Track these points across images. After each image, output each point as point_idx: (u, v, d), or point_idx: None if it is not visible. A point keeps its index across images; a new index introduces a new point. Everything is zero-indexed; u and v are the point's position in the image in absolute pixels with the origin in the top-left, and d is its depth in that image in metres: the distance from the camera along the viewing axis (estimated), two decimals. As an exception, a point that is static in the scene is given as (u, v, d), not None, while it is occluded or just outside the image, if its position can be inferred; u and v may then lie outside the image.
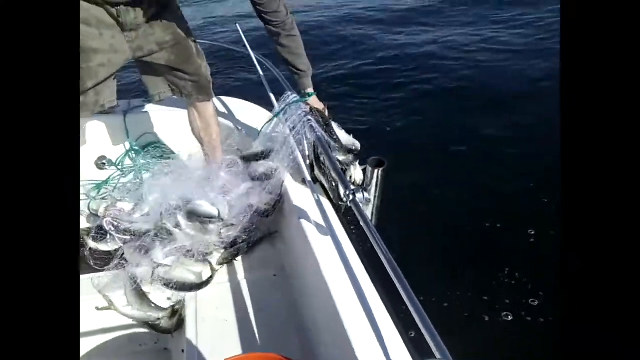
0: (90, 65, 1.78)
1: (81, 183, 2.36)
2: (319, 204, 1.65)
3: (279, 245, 1.93)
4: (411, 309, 1.01)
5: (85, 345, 1.69)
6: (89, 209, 2.20)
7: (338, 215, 1.71)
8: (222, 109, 2.59)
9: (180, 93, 2.12)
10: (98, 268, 1.81)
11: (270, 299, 1.67)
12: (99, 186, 2.38)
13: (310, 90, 2.07)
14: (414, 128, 4.29)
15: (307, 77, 2.06)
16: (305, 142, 1.86)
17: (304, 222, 1.60)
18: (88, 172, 2.45)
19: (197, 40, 2.06)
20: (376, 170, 1.34)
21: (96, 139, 2.60)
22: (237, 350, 1.48)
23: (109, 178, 2.44)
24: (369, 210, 1.40)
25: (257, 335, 1.53)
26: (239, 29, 3.15)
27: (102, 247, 1.91)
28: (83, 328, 1.68)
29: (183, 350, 1.50)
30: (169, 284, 1.70)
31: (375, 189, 1.37)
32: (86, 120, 2.53)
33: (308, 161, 1.85)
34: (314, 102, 2.06)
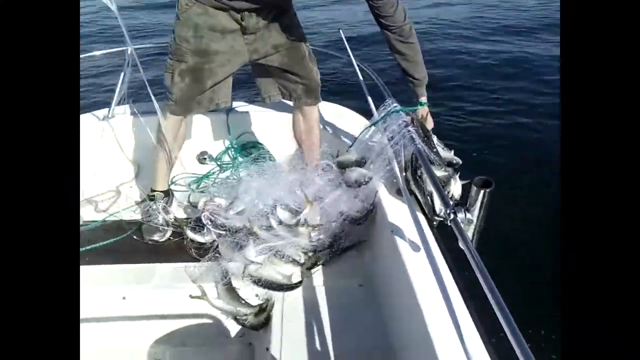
0: (211, 66, 1.91)
1: (183, 175, 2.50)
2: (414, 217, 1.59)
3: (367, 255, 1.90)
4: (513, 342, 0.92)
5: (174, 330, 1.77)
6: (189, 200, 2.32)
7: (432, 231, 1.64)
8: (321, 113, 2.61)
9: (290, 96, 2.18)
10: (194, 257, 1.88)
11: (355, 309, 1.64)
12: (199, 180, 2.50)
13: (424, 99, 2.03)
14: (518, 148, 4.04)
15: (421, 86, 2.02)
16: (403, 153, 1.80)
17: (396, 234, 1.55)
18: (190, 166, 2.58)
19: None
20: (482, 191, 1.26)
21: (199, 134, 2.74)
22: (320, 357, 1.47)
23: (208, 173, 2.55)
24: (469, 231, 1.32)
25: (340, 344, 1.51)
26: (342, 34, 3.16)
27: (199, 238, 2.00)
28: (174, 312, 1.76)
29: (267, 349, 1.51)
30: (258, 282, 1.73)
31: (479, 210, 1.29)
32: (192, 115, 2.69)
33: (405, 173, 1.80)
34: (424, 112, 2.01)
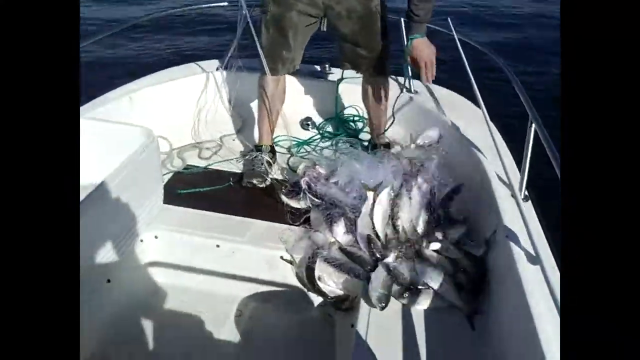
0: (290, 14, 1.99)
1: (284, 138, 2.50)
2: (531, 224, 1.46)
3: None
4: None
5: (259, 287, 1.79)
6: (287, 163, 2.32)
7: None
8: (434, 96, 2.48)
9: (357, 68, 2.15)
10: (289, 222, 1.88)
11: (452, 321, 1.53)
12: (299, 144, 2.49)
13: (417, 34, 1.90)
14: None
15: (421, 23, 1.90)
16: None
17: (511, 240, 1.43)
18: (292, 129, 2.58)
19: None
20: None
21: (306, 100, 2.73)
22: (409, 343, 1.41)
23: (310, 139, 2.53)
24: None
25: (427, 342, 1.43)
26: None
27: (293, 203, 1.99)
28: (262, 269, 1.77)
29: (352, 325, 1.48)
30: (340, 266, 1.68)
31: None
32: (302, 80, 2.68)
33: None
34: (419, 45, 1.90)
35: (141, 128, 1.78)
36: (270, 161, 2.21)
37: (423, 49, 1.91)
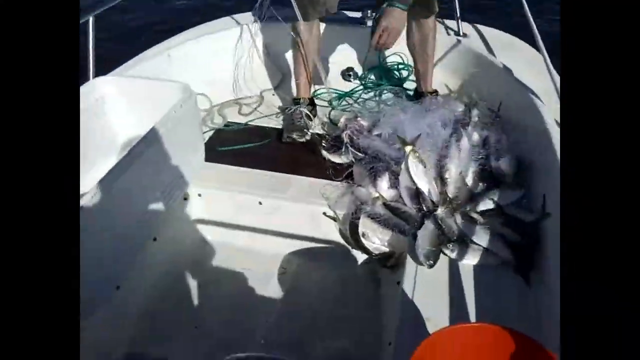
0: None
1: (325, 90, 2.41)
2: None
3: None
4: None
5: (303, 243, 1.77)
6: (328, 117, 2.24)
7: None
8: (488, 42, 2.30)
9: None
10: (331, 177, 1.82)
11: (503, 278, 1.45)
12: (341, 96, 2.39)
13: (395, 2, 1.76)
14: None
15: None
16: None
17: None
18: (334, 81, 2.48)
19: None
20: None
21: (347, 49, 2.60)
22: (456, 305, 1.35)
23: (352, 90, 2.43)
24: None
25: (476, 305, 1.37)
26: None
27: (335, 158, 1.92)
28: (305, 226, 1.74)
29: (399, 283, 1.43)
30: (385, 222, 1.61)
31: None
32: (342, 28, 2.54)
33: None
34: (391, 12, 1.78)
35: (178, 84, 1.74)
36: (310, 114, 2.14)
37: (392, 17, 1.79)
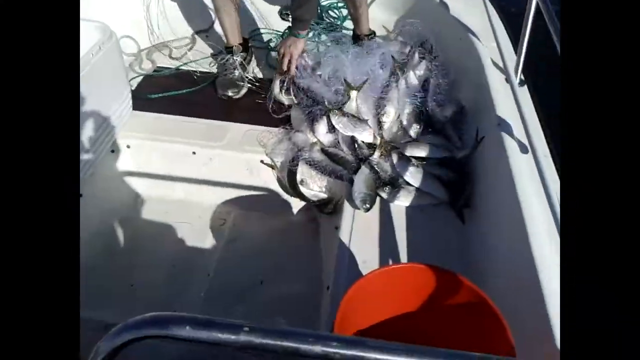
0: None
1: (264, 31, 2.29)
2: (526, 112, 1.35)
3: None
4: None
5: (241, 192, 1.72)
6: (266, 59, 2.14)
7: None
8: None
9: None
10: (275, 117, 1.78)
11: (437, 217, 1.47)
12: (280, 37, 2.28)
13: (294, 31, 1.82)
14: None
15: (299, 21, 1.80)
16: None
17: (503, 129, 1.32)
18: (271, 21, 2.35)
19: None
20: None
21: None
22: (392, 247, 1.37)
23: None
24: None
25: (412, 243, 1.39)
26: None
27: (283, 98, 1.85)
28: (243, 174, 1.69)
29: (337, 227, 1.43)
30: (322, 168, 1.58)
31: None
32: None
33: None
34: (289, 40, 1.82)
35: (95, 23, 1.59)
36: (244, 63, 2.01)
37: (287, 44, 1.82)
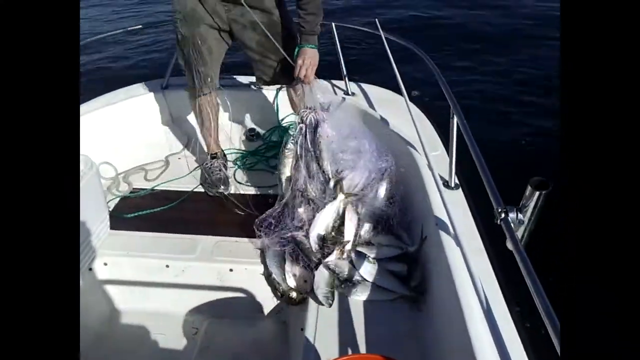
0: (200, 31, 2.03)
1: (230, 151, 2.54)
2: (460, 210, 1.55)
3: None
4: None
5: (213, 302, 1.81)
6: (234, 177, 2.36)
7: (478, 228, 1.60)
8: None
9: (272, 78, 2.19)
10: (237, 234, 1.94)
11: (392, 300, 1.61)
12: (244, 156, 2.52)
13: (304, 44, 1.98)
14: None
15: (308, 34, 1.98)
16: None
17: (440, 228, 1.51)
18: (237, 142, 2.61)
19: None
20: (537, 192, 1.20)
21: (248, 112, 2.77)
22: (353, 342, 1.47)
23: (256, 149, 2.57)
24: (519, 232, 1.27)
25: (374, 332, 1.50)
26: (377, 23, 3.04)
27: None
28: (214, 284, 1.80)
29: (302, 329, 1.53)
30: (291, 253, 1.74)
31: (532, 212, 1.23)
32: (242, 92, 2.72)
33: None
34: (305, 51, 1.96)
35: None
36: (227, 165, 2.32)
37: (307, 53, 1.97)
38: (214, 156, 2.32)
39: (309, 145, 1.83)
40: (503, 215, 1.21)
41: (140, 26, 3.11)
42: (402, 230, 1.81)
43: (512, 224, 1.20)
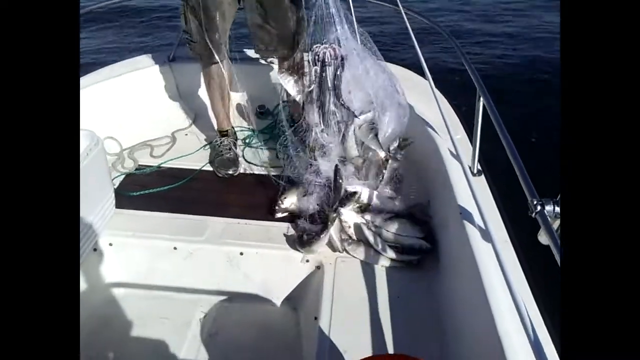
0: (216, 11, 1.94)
1: (239, 128, 2.44)
2: (488, 201, 1.47)
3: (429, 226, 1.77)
4: None
5: (222, 285, 1.75)
6: (243, 156, 2.28)
7: (503, 219, 1.53)
8: None
9: (270, 46, 2.09)
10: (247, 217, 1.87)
11: (410, 288, 1.54)
12: (254, 134, 2.43)
13: None
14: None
15: None
16: None
17: (465, 218, 1.43)
18: (248, 119, 2.52)
19: None
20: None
21: (259, 87, 2.66)
22: (369, 335, 1.41)
23: (266, 127, 2.48)
24: (555, 225, 1.19)
25: (391, 329, 1.44)
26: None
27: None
28: (223, 267, 1.74)
29: (316, 318, 1.47)
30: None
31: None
32: (254, 68, 2.60)
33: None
34: None
35: (84, 132, 1.69)
36: (236, 144, 2.23)
37: None
38: (224, 134, 2.23)
39: (329, 84, 1.74)
40: (539, 207, 1.13)
41: None
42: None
43: (548, 218, 1.12)
